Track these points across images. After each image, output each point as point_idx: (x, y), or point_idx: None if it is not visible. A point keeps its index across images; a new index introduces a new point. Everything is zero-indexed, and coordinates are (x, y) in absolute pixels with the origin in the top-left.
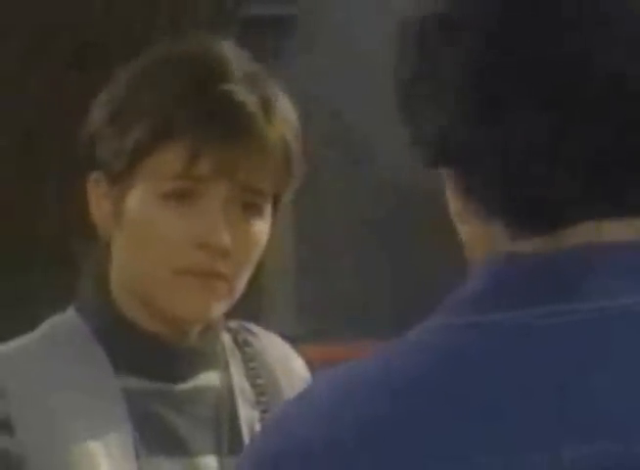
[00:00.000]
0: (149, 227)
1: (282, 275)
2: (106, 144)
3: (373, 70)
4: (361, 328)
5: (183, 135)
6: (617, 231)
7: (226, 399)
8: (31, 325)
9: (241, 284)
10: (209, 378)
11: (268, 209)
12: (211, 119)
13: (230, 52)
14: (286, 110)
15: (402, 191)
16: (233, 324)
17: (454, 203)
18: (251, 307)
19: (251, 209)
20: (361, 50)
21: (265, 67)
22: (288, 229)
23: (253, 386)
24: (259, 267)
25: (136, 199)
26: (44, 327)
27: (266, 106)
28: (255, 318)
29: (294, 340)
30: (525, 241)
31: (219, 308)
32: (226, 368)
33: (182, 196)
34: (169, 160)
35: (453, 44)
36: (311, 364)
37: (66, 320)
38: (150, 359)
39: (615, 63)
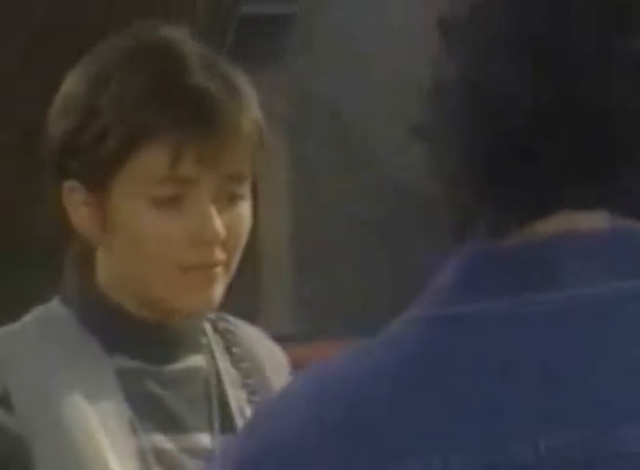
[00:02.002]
0: (144, 231)
1: (281, 274)
2: (79, 154)
3: (373, 69)
4: (360, 328)
5: (162, 138)
6: (588, 222)
7: (214, 380)
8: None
9: (235, 264)
10: (196, 360)
11: (248, 188)
12: (187, 118)
13: (183, 40)
14: (247, 88)
15: (402, 191)
16: (211, 315)
17: None
18: (249, 306)
19: (236, 193)
20: (361, 50)
21: (264, 66)
22: (287, 228)
23: (238, 369)
24: (258, 267)
25: (123, 206)
26: (31, 316)
27: (233, 91)
28: (253, 317)
29: (291, 338)
30: (500, 233)
31: (220, 294)
32: (210, 352)
33: (172, 196)
34: (152, 162)
35: (456, 45)
36: (308, 363)
37: (51, 309)
38: (139, 342)
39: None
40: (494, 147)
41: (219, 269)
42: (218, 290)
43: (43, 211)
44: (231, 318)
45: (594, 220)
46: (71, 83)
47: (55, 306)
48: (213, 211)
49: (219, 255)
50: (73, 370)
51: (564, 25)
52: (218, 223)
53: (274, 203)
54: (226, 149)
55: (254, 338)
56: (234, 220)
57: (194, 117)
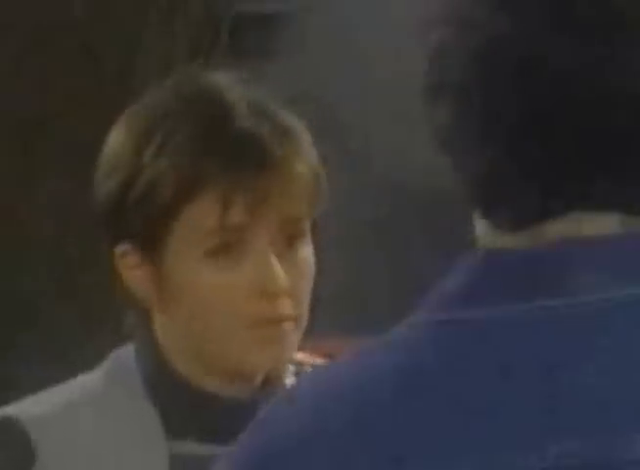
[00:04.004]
0: (203, 289)
1: None
2: (128, 214)
3: (372, 68)
4: (358, 327)
5: (210, 187)
6: (598, 224)
7: None
8: (27, 325)
9: (306, 315)
10: None
11: (308, 230)
12: (235, 164)
13: (229, 86)
14: (299, 129)
15: (401, 191)
16: (305, 368)
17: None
18: None
19: (295, 237)
20: (359, 48)
21: (261, 65)
22: None
23: None
24: None
25: (178, 262)
26: (103, 373)
27: (283, 134)
28: None
29: None
30: (509, 234)
31: (291, 352)
32: None
33: (226, 248)
34: (201, 215)
35: (456, 39)
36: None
37: (123, 364)
38: (205, 419)
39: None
40: (500, 146)
41: (288, 326)
42: (289, 347)
43: (41, 212)
44: (315, 362)
45: (604, 223)
46: (114, 141)
47: (127, 361)
48: (273, 258)
49: (285, 308)
50: (120, 458)
51: (563, 25)
52: (280, 272)
53: None
54: (278, 193)
55: None
56: (297, 266)
57: (242, 163)
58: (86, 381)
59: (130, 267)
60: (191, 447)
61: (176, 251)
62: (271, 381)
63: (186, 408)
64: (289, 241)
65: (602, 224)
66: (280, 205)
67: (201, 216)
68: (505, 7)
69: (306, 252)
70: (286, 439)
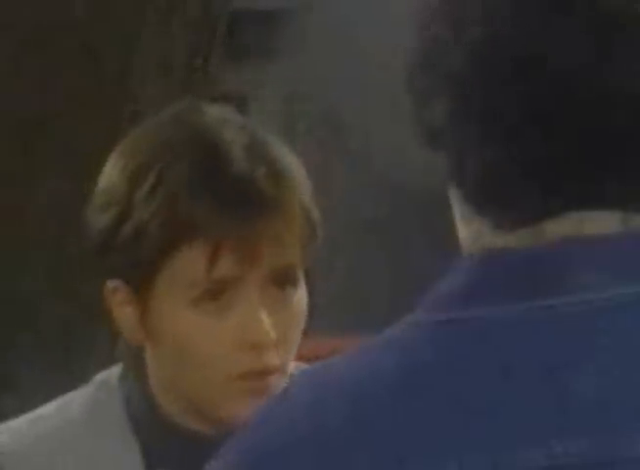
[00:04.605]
0: (189, 338)
1: None
2: (118, 254)
3: (372, 67)
4: (358, 327)
5: (200, 236)
6: (600, 223)
7: None
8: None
9: (291, 361)
10: None
11: (301, 273)
12: (226, 212)
13: (225, 123)
14: (296, 172)
15: (401, 190)
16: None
17: (452, 197)
18: None
19: (287, 283)
20: (359, 47)
21: (260, 63)
22: None
23: None
24: None
25: (166, 308)
26: (86, 398)
27: (279, 178)
28: None
29: None
30: (511, 232)
31: None
32: None
33: (214, 295)
34: (188, 264)
35: (453, 38)
36: (306, 360)
37: (108, 387)
38: (186, 454)
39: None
40: (500, 146)
41: (273, 377)
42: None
43: (41, 212)
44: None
45: (605, 222)
46: (108, 176)
47: (113, 387)
48: (262, 311)
49: (272, 359)
50: None
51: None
52: (268, 325)
53: None
54: (270, 242)
55: None
56: (287, 313)
57: (232, 212)
58: (67, 407)
59: (120, 304)
60: None
61: (163, 295)
62: None
63: (167, 442)
64: (280, 286)
65: (603, 223)
66: (272, 254)
67: (188, 266)
68: (504, 6)
69: (298, 297)
70: (283, 436)
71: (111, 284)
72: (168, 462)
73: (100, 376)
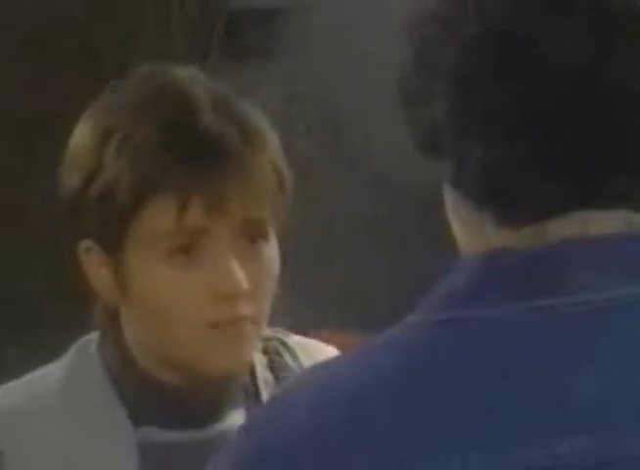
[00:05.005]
0: (162, 292)
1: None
2: (88, 214)
3: (372, 66)
4: (359, 326)
5: (168, 189)
6: (602, 223)
7: None
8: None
9: (266, 315)
10: (236, 418)
11: (272, 231)
12: (194, 165)
13: (193, 81)
14: (264, 127)
15: (402, 190)
16: (272, 342)
17: (446, 192)
18: None
19: (258, 237)
20: (358, 46)
21: (258, 62)
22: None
23: None
24: None
25: (139, 264)
26: (66, 363)
27: (246, 133)
28: None
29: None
30: (511, 233)
31: (251, 352)
32: (257, 401)
33: (185, 249)
34: (158, 218)
35: (451, 38)
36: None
37: (88, 353)
38: (170, 410)
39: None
40: (500, 146)
41: (248, 326)
42: (249, 347)
43: (41, 212)
44: (291, 341)
45: (609, 221)
46: (79, 136)
47: (92, 352)
48: (233, 261)
49: (244, 309)
50: (89, 449)
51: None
52: (240, 275)
53: None
54: (239, 195)
55: (304, 360)
56: (258, 268)
57: (200, 165)
58: (50, 372)
59: (94, 265)
60: (154, 434)
61: (135, 252)
62: (234, 375)
63: (150, 400)
64: (251, 239)
65: (607, 223)
66: (241, 206)
67: (157, 219)
68: (504, 6)
69: (269, 251)
70: (284, 437)
71: (84, 245)
72: (153, 419)
73: (76, 345)
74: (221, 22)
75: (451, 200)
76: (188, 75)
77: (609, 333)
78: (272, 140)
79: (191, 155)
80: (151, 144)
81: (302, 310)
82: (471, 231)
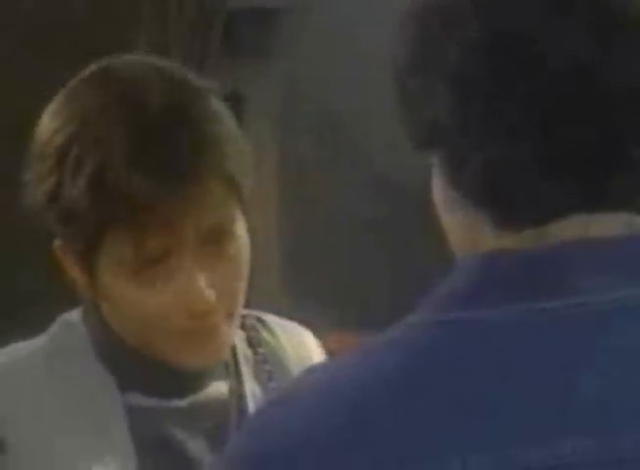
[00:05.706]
0: (132, 306)
1: (276, 274)
2: (56, 225)
3: (371, 66)
4: (359, 326)
5: (120, 228)
6: (604, 225)
7: (235, 411)
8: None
9: (240, 306)
10: (219, 388)
11: (236, 220)
12: (145, 199)
13: (149, 84)
14: (218, 130)
15: (401, 190)
16: (249, 319)
17: (439, 191)
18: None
19: (219, 238)
20: (358, 46)
21: (256, 62)
22: (281, 228)
23: (265, 390)
24: (250, 266)
25: (108, 278)
26: (51, 333)
27: (197, 148)
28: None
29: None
30: (511, 234)
31: (227, 346)
32: (237, 375)
33: (149, 267)
34: (118, 247)
35: (450, 37)
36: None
37: (72, 326)
38: (154, 379)
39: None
40: (501, 146)
41: (221, 327)
42: (225, 342)
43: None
44: (269, 320)
45: (610, 223)
46: (40, 141)
47: (76, 323)
48: (198, 277)
49: (215, 316)
50: (77, 412)
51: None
52: (207, 292)
53: (267, 202)
54: (194, 213)
55: (288, 346)
56: (227, 267)
57: (151, 195)
58: (35, 342)
59: (68, 263)
60: (140, 400)
61: (104, 267)
62: None
63: (135, 368)
64: (214, 243)
65: (608, 225)
66: (198, 222)
67: (117, 249)
68: (504, 6)
69: (236, 247)
70: (285, 437)
71: (57, 244)
72: (137, 386)
73: (60, 319)
74: (220, 21)
75: (446, 199)
76: (140, 76)
77: (609, 335)
78: (232, 129)
79: (143, 180)
80: (102, 170)
81: (302, 310)
82: (467, 231)
